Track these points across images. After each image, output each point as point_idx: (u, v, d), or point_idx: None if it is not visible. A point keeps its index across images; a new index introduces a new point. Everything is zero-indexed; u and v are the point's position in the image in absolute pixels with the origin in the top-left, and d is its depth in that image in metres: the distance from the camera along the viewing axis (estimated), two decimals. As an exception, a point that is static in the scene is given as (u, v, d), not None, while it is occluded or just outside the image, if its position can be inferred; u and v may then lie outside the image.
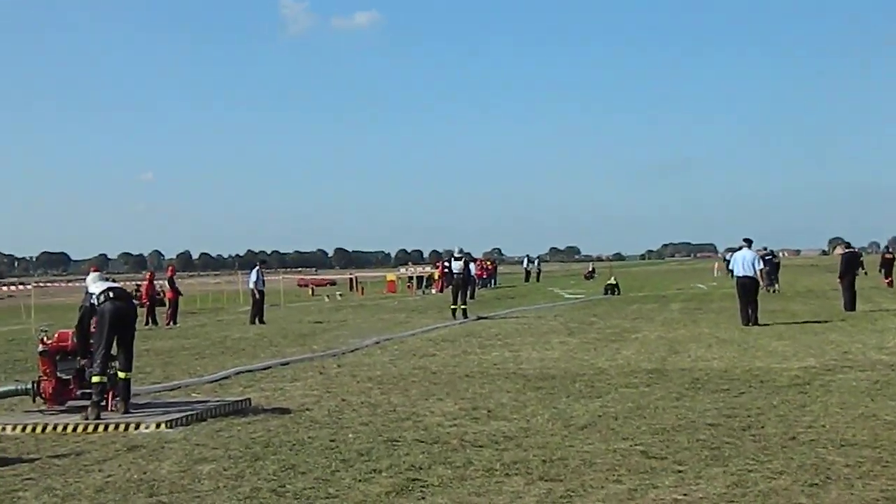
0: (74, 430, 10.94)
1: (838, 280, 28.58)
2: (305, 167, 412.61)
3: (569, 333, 22.71)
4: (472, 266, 36.32)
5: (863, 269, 30.17)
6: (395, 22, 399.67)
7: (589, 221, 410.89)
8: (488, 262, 67.46)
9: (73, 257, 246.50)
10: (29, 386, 12.18)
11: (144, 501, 7.67)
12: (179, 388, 14.82)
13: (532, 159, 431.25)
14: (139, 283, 43.28)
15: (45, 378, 12.06)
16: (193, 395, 13.93)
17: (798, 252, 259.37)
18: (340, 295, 56.50)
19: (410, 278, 58.87)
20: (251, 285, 31.96)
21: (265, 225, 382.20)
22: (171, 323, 32.49)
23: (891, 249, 44.15)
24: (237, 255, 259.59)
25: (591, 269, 75.67)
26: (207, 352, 21.28)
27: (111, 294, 11.68)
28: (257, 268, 32.87)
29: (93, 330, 11.72)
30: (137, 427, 10.87)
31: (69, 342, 12.05)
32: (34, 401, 12.18)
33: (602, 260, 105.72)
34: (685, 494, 7.34)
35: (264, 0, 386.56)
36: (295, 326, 29.04)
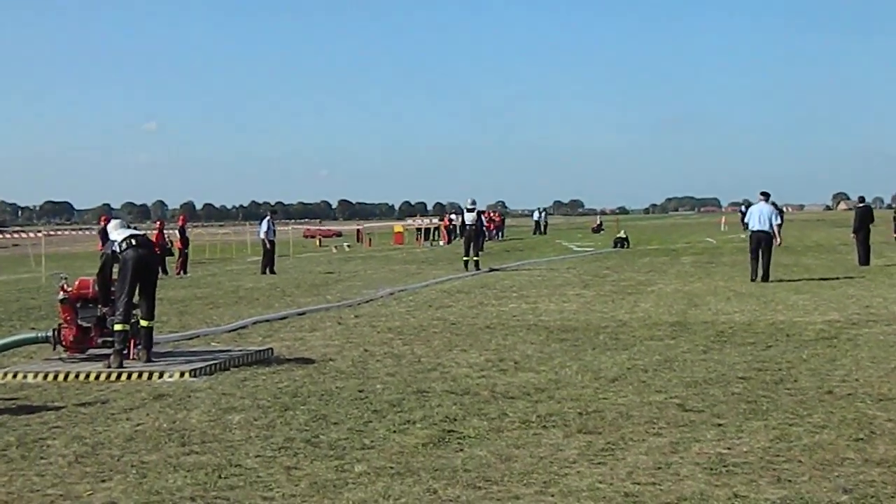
0: (98, 377, 10.79)
1: (852, 235, 28.38)
2: (309, 119, 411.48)
3: (584, 286, 22.57)
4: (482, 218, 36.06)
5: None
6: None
7: (592, 174, 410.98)
8: (495, 215, 67.21)
9: (77, 207, 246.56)
10: (49, 334, 12.01)
11: (176, 450, 7.51)
12: (198, 336, 14.68)
13: (535, 112, 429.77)
14: (148, 232, 43.06)
15: (66, 326, 11.88)
16: (213, 344, 13.79)
17: (802, 207, 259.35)
18: (348, 246, 56.36)
19: (418, 230, 58.60)
20: (262, 235, 31.78)
21: (268, 176, 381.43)
22: (182, 272, 32.37)
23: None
24: (241, 206, 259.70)
25: (599, 223, 75.44)
26: (221, 301, 21.16)
27: (133, 242, 11.49)
28: (268, 218, 32.68)
29: (114, 278, 11.54)
30: (161, 376, 10.73)
31: (90, 290, 11.86)
32: (55, 348, 12.00)
33: (606, 213, 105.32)
34: (729, 448, 7.18)
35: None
36: (306, 277, 28.90)
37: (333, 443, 7.62)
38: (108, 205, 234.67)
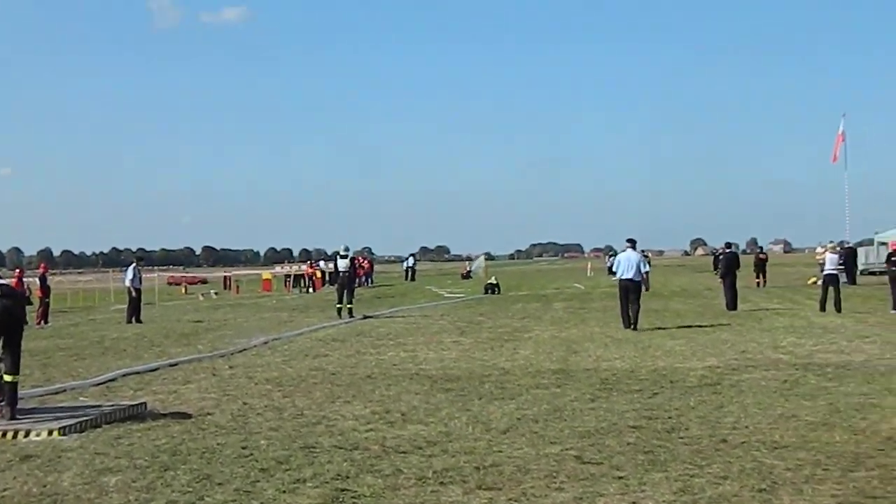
0: (-44, 438, 10.02)
1: (719, 280, 28.97)
2: (170, 164, 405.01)
3: (460, 333, 22.39)
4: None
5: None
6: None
7: (457, 220, 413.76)
8: (364, 261, 66.84)
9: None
10: None
11: (48, 518, 6.94)
12: (65, 391, 13.90)
13: (402, 156, 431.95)
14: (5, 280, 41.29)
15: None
16: (81, 398, 13.06)
17: (661, 252, 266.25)
18: (215, 293, 55.26)
19: (287, 276, 57.83)
20: (127, 283, 30.71)
21: (129, 221, 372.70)
22: (43, 322, 31.05)
23: (764, 250, 45.20)
24: (101, 253, 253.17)
25: (468, 269, 75.58)
26: (87, 352, 20.25)
27: (-2, 291, 10.78)
28: (134, 265, 31.61)
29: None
30: (28, 434, 10.03)
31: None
32: None
33: (472, 259, 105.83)
34: (634, 503, 6.97)
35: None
36: (175, 325, 28.01)
37: (220, 505, 7.15)
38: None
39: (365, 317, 29.01)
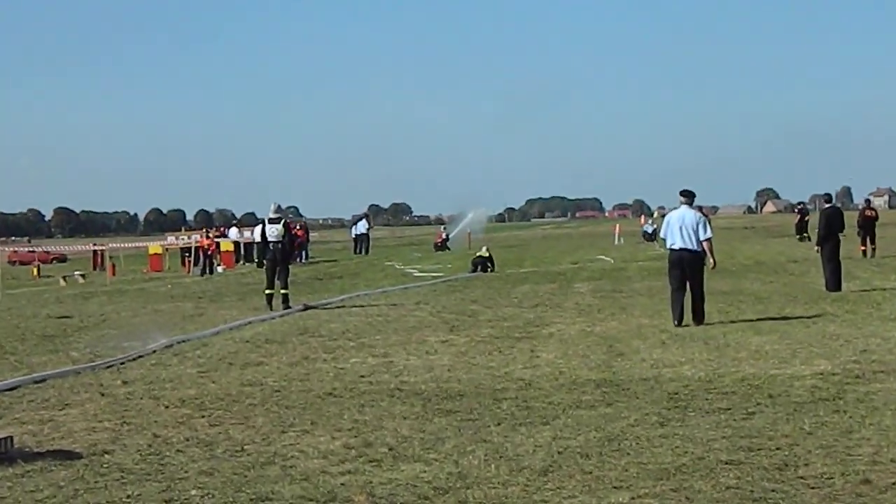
0: None
1: (816, 248, 29.03)
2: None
3: (450, 329, 22.36)
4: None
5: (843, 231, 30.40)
6: None
7: (422, 170, 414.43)
8: (298, 230, 66.69)
9: None
10: None
11: None
12: None
13: (339, 87, 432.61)
14: None
15: None
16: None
17: (715, 209, 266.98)
18: (83, 276, 54.96)
19: (187, 251, 57.68)
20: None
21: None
22: None
23: (871, 204, 45.30)
24: None
25: (444, 236, 75.64)
26: None
27: None
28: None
29: None
30: None
31: None
32: None
33: (443, 222, 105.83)
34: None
35: None
36: (32, 324, 27.79)
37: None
38: None
39: (306, 307, 28.92)
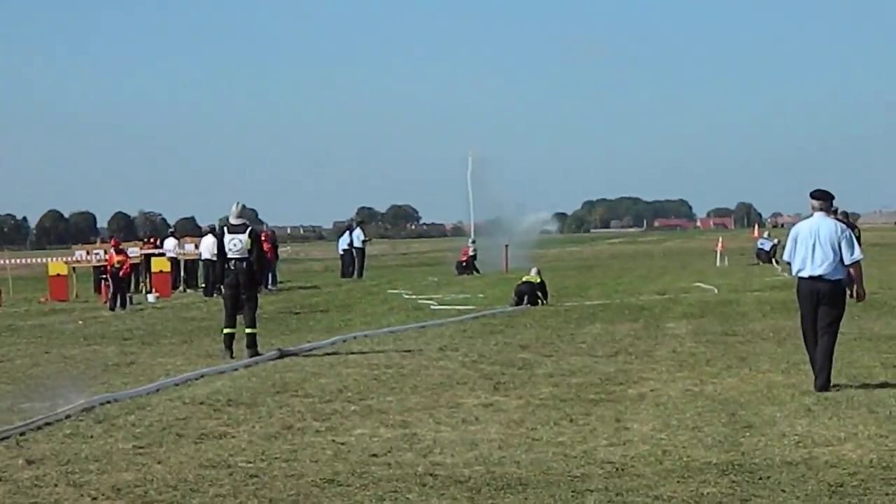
0: None
1: None
2: None
3: (494, 387, 22.32)
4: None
5: None
6: None
7: (428, 161, 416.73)
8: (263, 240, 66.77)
9: None
10: None
11: None
12: None
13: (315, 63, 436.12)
14: None
15: None
16: None
17: (856, 217, 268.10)
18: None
19: (102, 271, 57.59)
20: None
21: None
22: None
23: None
24: None
25: (471, 252, 75.45)
26: None
27: None
28: None
29: None
30: None
31: None
32: None
33: (464, 232, 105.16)
34: None
35: None
36: None
37: None
38: None
39: (281, 353, 28.80)
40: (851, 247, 21.34)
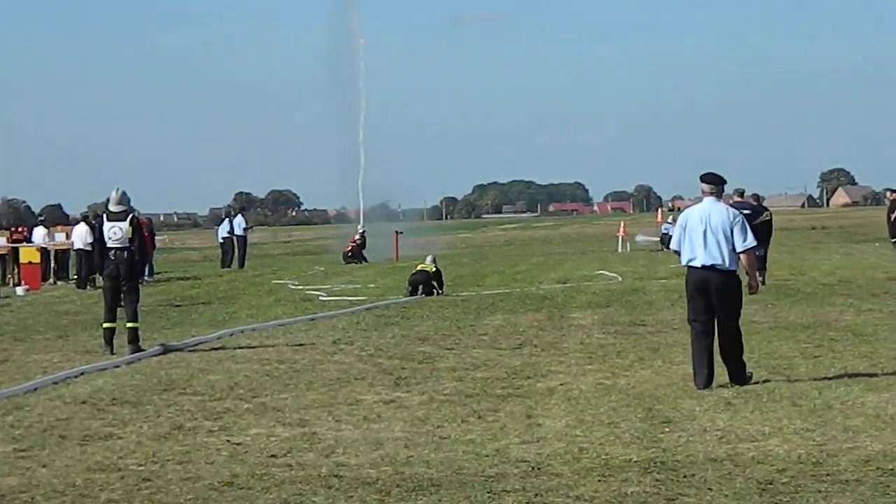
0: None
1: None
2: None
3: (395, 382, 22.10)
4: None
5: None
6: None
7: (309, 141, 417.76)
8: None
9: None
10: None
11: None
12: None
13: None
14: None
15: None
16: None
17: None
18: None
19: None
20: None
21: None
22: None
23: None
24: None
25: (356, 239, 75.06)
26: None
27: None
28: None
29: None
30: None
31: None
32: None
33: (348, 219, 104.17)
34: None
35: None
36: None
37: None
38: None
39: (165, 348, 28.26)
40: (744, 233, 20.74)
